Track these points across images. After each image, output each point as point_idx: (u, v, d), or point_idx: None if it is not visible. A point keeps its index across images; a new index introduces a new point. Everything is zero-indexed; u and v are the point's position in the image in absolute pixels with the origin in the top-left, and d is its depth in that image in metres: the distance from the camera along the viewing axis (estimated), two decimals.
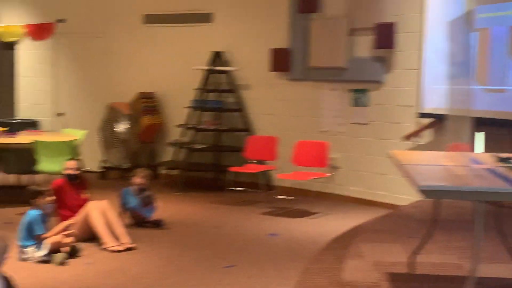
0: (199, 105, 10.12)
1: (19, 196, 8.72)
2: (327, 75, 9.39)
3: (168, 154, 10.63)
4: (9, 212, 7.95)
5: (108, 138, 10.85)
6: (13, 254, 5.01)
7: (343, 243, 6.33)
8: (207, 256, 6.46)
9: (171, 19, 10.67)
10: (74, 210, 6.90)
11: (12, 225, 6.90)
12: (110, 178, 10.66)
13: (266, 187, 9.64)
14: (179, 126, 10.27)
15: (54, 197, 6.45)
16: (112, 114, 10.76)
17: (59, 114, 11.32)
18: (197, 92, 10.20)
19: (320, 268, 5.60)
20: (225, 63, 10.20)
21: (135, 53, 10.98)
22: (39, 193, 6.30)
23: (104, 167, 10.84)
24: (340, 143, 9.24)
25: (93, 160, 10.59)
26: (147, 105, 10.65)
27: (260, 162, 9.47)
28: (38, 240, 6.14)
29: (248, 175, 9.42)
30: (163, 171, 10.57)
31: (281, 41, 9.74)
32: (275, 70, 9.80)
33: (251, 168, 9.27)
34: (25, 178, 9.59)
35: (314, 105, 9.57)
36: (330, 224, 7.86)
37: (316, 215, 8.42)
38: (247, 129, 10.03)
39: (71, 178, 7.15)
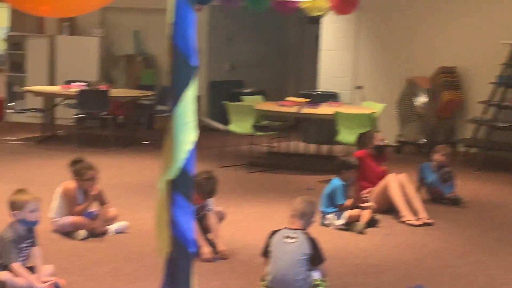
0: (505, 81, 9.54)
1: (319, 164, 9.10)
2: None
3: (467, 131, 10.23)
4: (310, 179, 8.27)
5: (405, 113, 10.76)
6: (316, 218, 5.18)
7: None
8: (511, 239, 6.11)
9: None
10: (372, 181, 6.93)
11: (313, 191, 7.17)
12: (405, 152, 10.58)
13: None
14: (481, 102, 9.80)
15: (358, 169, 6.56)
16: (411, 89, 10.63)
17: (357, 87, 11.50)
18: (504, 68, 9.63)
19: None
20: None
21: (438, 26, 10.67)
22: (348, 165, 6.42)
23: (400, 141, 10.79)
24: None
25: (389, 133, 10.57)
26: (448, 80, 10.33)
27: None
28: (338, 209, 6.30)
29: None
30: (461, 148, 10.21)
31: None
32: None
33: None
34: (324, 148, 9.95)
35: None
36: None
37: None
38: None
39: (377, 150, 7.19)
